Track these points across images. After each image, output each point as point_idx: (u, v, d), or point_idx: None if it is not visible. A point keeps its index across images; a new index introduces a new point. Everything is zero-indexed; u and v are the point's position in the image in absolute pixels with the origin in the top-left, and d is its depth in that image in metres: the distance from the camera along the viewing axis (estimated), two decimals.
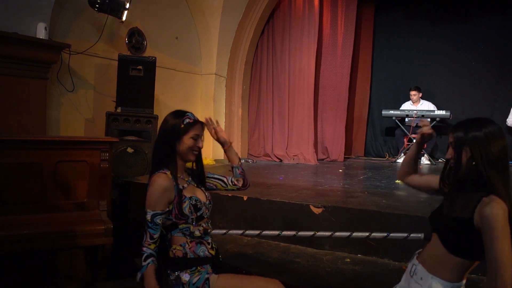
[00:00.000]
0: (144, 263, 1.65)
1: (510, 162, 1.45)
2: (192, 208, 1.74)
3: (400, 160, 6.30)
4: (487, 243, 1.28)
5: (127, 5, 4.29)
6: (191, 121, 1.75)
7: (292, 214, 2.84)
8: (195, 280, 1.68)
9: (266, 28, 6.52)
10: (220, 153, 6.03)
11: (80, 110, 4.48)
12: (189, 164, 1.85)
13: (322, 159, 6.43)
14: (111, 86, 4.42)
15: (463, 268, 1.37)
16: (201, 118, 1.84)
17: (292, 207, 2.85)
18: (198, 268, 1.71)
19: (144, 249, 1.68)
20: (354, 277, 2.25)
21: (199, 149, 1.79)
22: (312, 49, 6.10)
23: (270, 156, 6.38)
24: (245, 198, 3.03)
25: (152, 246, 1.68)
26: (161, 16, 5.38)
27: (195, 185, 1.87)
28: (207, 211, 1.82)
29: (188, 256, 1.71)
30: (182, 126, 1.72)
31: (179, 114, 1.76)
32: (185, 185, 1.79)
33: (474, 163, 1.35)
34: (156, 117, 4.34)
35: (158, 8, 5.33)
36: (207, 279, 1.68)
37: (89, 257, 2.85)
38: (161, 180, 1.70)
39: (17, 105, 3.62)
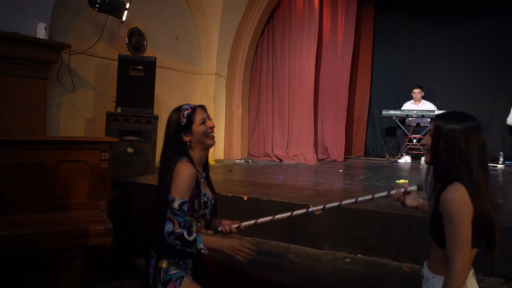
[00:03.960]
0: (191, 238, 1.61)
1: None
2: (203, 204, 1.76)
3: (401, 160, 6.30)
4: (446, 226, 1.32)
5: (127, 5, 4.29)
6: (189, 110, 1.77)
7: None
8: (172, 272, 1.70)
9: (266, 28, 6.52)
10: (220, 153, 6.04)
11: (80, 110, 4.48)
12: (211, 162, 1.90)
13: (322, 159, 6.43)
14: (111, 86, 4.42)
15: None
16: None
17: (292, 207, 2.84)
18: (181, 262, 1.72)
19: (178, 231, 1.63)
20: (354, 277, 2.25)
21: (213, 129, 1.80)
22: (312, 49, 6.10)
23: (270, 156, 6.37)
24: (245, 198, 3.03)
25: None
26: (161, 16, 5.38)
27: (206, 181, 1.89)
28: (208, 211, 1.85)
29: (176, 247, 1.70)
30: (184, 119, 1.75)
31: (176, 110, 1.80)
32: (201, 180, 1.82)
33: (448, 154, 1.36)
34: (156, 117, 4.33)
35: (158, 8, 5.33)
36: (182, 277, 1.70)
37: (89, 257, 2.85)
38: (189, 168, 1.69)
39: (17, 105, 3.62)
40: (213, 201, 1.86)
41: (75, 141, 2.89)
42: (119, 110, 4.23)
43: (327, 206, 1.88)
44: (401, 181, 4.16)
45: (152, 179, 4.00)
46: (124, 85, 4.29)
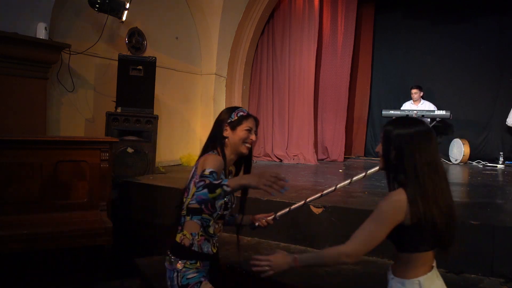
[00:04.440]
0: (217, 181, 1.46)
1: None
2: (223, 205, 1.74)
3: None
4: (369, 217, 1.37)
5: (127, 5, 4.29)
6: (244, 114, 1.83)
7: (292, 214, 2.83)
8: (190, 275, 1.67)
9: (266, 28, 6.52)
10: None
11: (80, 110, 4.47)
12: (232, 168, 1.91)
13: (322, 159, 6.43)
14: (111, 86, 4.42)
15: (412, 263, 1.37)
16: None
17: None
18: (198, 263, 1.70)
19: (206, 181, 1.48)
20: (354, 277, 2.25)
21: (252, 143, 1.83)
22: (312, 49, 6.10)
23: (270, 156, 6.37)
24: None
25: None
26: (161, 16, 5.37)
27: None
28: (228, 213, 1.83)
29: (193, 248, 1.70)
30: (236, 117, 1.80)
31: (233, 109, 1.85)
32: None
33: (397, 159, 1.37)
34: (156, 117, 4.33)
35: (158, 8, 5.33)
36: (200, 282, 1.67)
37: (89, 257, 2.85)
38: (217, 157, 1.72)
39: (17, 105, 3.62)
40: (233, 205, 1.84)
41: (75, 141, 2.89)
42: (119, 110, 4.23)
43: (323, 193, 1.90)
44: None
45: (152, 179, 4.01)
46: (124, 85, 4.29)
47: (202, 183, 1.46)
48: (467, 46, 6.57)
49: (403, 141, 1.36)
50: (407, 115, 6.32)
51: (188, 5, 5.80)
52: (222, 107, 6.13)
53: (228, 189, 1.44)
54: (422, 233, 1.33)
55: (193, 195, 1.67)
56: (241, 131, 1.79)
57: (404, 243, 1.37)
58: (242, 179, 1.54)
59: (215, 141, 1.80)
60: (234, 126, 1.80)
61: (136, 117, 4.25)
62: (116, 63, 4.33)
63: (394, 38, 7.19)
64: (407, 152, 1.35)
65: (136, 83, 4.33)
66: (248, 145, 1.82)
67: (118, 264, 2.85)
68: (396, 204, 1.32)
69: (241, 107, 1.89)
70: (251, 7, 6.07)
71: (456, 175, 5.18)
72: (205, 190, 1.44)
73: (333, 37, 6.46)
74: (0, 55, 3.45)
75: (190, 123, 5.78)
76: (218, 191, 1.44)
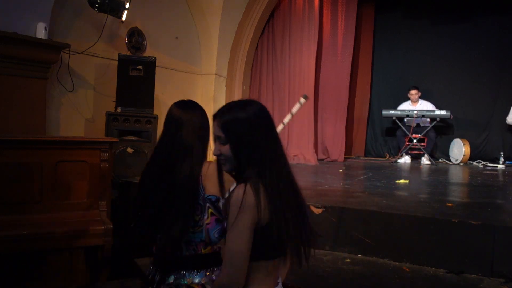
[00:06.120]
0: None
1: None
2: None
3: (401, 160, 6.30)
4: None
5: (127, 5, 4.28)
6: None
7: None
8: None
9: (266, 28, 6.52)
10: None
11: (80, 110, 4.47)
12: None
13: (322, 159, 6.42)
14: (111, 86, 4.42)
15: (255, 274, 1.15)
16: None
17: None
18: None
19: None
20: (354, 277, 2.25)
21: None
22: (312, 49, 6.09)
23: None
24: None
25: None
26: (161, 16, 5.37)
27: None
28: None
29: None
30: None
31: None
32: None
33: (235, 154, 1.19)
34: (156, 117, 4.33)
35: (158, 8, 5.32)
36: None
37: (89, 257, 2.84)
38: None
39: (17, 105, 3.62)
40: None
41: (75, 141, 2.89)
42: (119, 110, 4.23)
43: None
44: (401, 181, 4.16)
45: None
46: (124, 85, 4.29)
47: None
48: (467, 46, 6.57)
49: (243, 129, 1.18)
50: (407, 115, 6.34)
51: (188, 5, 5.80)
52: None
53: None
54: (262, 235, 1.11)
55: None
56: None
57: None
58: None
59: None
60: None
61: (136, 117, 4.24)
62: (116, 63, 4.32)
63: (394, 38, 7.19)
64: (252, 140, 1.16)
65: (136, 83, 4.33)
66: None
67: (118, 265, 2.85)
68: (240, 196, 1.12)
69: None
70: (251, 7, 6.07)
71: (457, 175, 5.18)
72: None
73: (333, 37, 6.45)
74: (0, 55, 3.45)
75: None
76: None
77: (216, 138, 1.24)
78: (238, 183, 1.20)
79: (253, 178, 1.14)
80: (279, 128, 1.79)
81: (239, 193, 1.12)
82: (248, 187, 1.12)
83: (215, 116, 1.25)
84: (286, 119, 1.92)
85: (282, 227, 1.11)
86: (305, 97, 1.78)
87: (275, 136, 1.22)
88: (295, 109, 1.85)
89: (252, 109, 1.22)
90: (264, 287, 1.13)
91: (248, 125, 1.18)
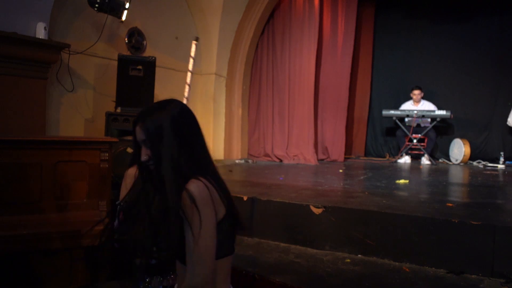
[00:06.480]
0: None
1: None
2: None
3: (401, 160, 6.30)
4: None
5: (127, 5, 4.28)
6: None
7: (292, 214, 2.83)
8: None
9: (266, 28, 6.52)
10: (220, 153, 6.03)
11: (80, 110, 4.47)
12: None
13: (322, 159, 6.42)
14: (111, 86, 4.42)
15: (220, 272, 1.13)
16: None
17: (292, 208, 2.85)
18: None
19: None
20: (354, 278, 2.24)
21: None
22: (312, 49, 6.09)
23: (270, 156, 6.37)
24: (245, 198, 3.02)
25: None
26: (161, 16, 5.37)
27: None
28: None
29: None
30: None
31: None
32: None
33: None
34: None
35: (158, 8, 5.32)
36: None
37: (89, 257, 2.84)
38: None
39: (17, 105, 3.61)
40: None
41: (74, 141, 2.88)
42: (118, 110, 4.23)
43: None
44: (401, 181, 4.16)
45: None
46: (124, 85, 4.29)
47: None
48: (467, 46, 6.57)
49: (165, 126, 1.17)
50: (407, 115, 6.34)
51: (188, 5, 5.80)
52: (222, 107, 6.12)
53: None
54: (221, 229, 1.08)
55: None
56: None
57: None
58: None
59: None
60: None
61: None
62: (116, 63, 4.32)
63: (394, 38, 7.20)
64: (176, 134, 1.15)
65: (136, 83, 4.33)
66: None
67: (118, 265, 2.85)
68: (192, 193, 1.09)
69: None
70: (251, 7, 6.07)
71: (457, 175, 5.17)
72: None
73: (333, 37, 6.45)
74: (0, 55, 3.45)
75: None
76: None
77: (141, 143, 1.21)
78: (177, 183, 1.12)
79: (196, 174, 1.10)
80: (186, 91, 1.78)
81: (201, 189, 1.07)
82: (206, 182, 1.09)
83: (136, 121, 1.25)
84: (190, 65, 1.89)
85: (238, 220, 1.11)
86: (197, 39, 1.80)
87: (200, 132, 1.20)
88: (192, 53, 1.84)
89: (173, 108, 1.21)
90: (225, 286, 1.11)
91: (173, 123, 1.17)
